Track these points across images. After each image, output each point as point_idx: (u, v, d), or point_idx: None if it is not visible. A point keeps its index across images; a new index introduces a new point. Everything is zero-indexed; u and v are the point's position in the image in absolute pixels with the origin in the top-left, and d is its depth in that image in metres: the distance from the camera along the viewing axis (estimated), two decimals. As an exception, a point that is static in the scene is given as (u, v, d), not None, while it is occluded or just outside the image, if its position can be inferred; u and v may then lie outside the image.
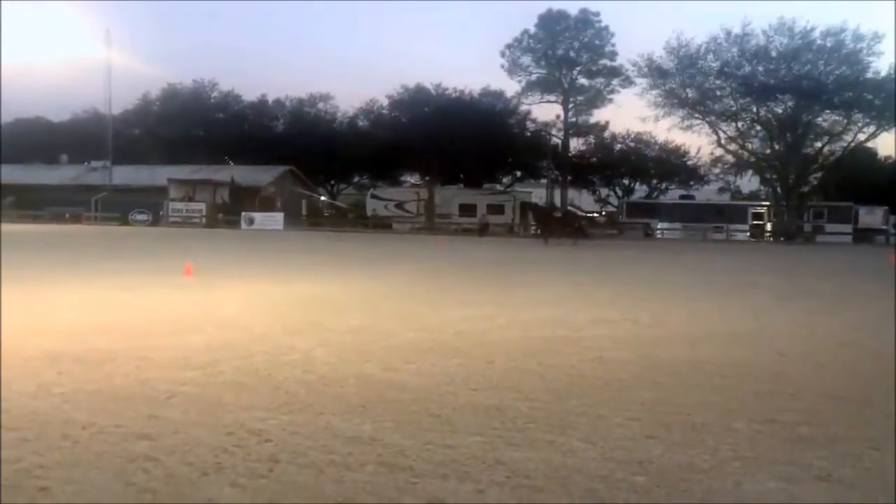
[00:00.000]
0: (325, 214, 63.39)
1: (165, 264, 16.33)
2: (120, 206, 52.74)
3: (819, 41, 50.91)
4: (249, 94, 70.93)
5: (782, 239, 49.35)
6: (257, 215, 50.68)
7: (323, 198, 67.00)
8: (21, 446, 3.82)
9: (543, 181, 64.48)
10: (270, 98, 70.16)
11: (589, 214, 70.23)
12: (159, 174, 55.91)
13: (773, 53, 52.39)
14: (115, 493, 3.25)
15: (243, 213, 50.71)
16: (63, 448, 3.81)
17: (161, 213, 51.98)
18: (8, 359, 5.86)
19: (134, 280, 12.92)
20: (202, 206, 52.12)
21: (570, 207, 41.52)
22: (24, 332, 7.10)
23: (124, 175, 57.21)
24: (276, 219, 50.53)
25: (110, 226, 48.18)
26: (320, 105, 69.79)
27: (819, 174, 57.36)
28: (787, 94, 52.43)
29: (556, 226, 37.71)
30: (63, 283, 12.14)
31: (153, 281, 12.81)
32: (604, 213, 67.36)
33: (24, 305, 9.22)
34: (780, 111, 54.75)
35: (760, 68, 53.09)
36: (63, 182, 59.02)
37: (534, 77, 61.52)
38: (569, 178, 63.55)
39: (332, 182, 70.89)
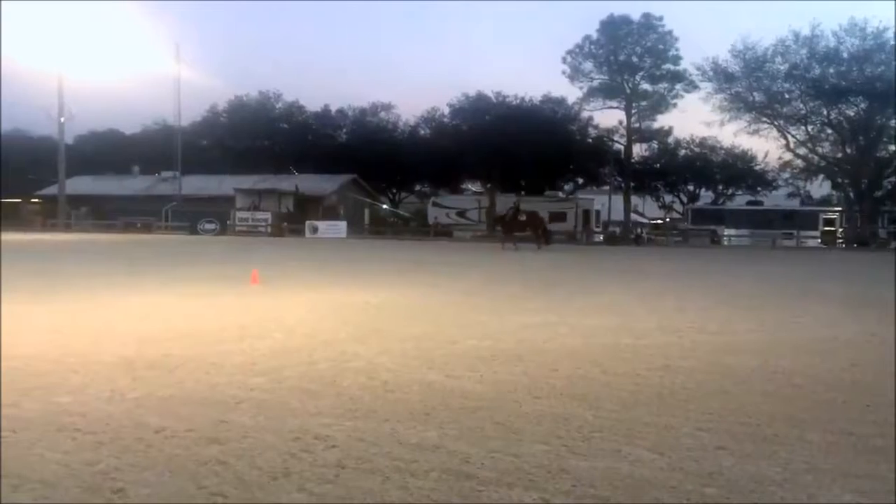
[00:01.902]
0: (388, 222, 63.94)
1: (232, 272, 16.68)
2: (189, 216, 54.12)
3: (892, 42, 49.31)
4: (313, 105, 72.29)
5: (855, 245, 47.82)
6: (321, 224, 51.41)
7: (385, 206, 67.61)
8: (97, 449, 3.94)
9: (606, 188, 63.90)
10: (333, 108, 71.35)
11: (653, 221, 69.42)
12: (226, 184, 57.29)
13: (845, 55, 50.95)
14: (188, 495, 3.33)
15: (307, 222, 51.48)
16: (137, 451, 3.91)
17: (228, 222, 53.13)
18: (85, 364, 6.06)
19: (203, 288, 13.23)
20: (268, 215, 53.09)
21: (535, 210, 40.20)
22: (100, 338, 7.33)
23: (193, 185, 58.78)
24: (339, 227, 51.20)
25: (180, 235, 49.42)
26: (382, 114, 70.61)
27: (894, 178, 55.45)
28: (859, 96, 50.92)
29: (519, 229, 36.33)
30: (136, 290, 12.50)
31: (221, 289, 13.08)
32: (669, 219, 66.42)
33: (100, 312, 9.52)
34: (851, 114, 53.23)
35: (831, 70, 51.68)
36: (135, 192, 61.00)
37: (596, 83, 61.07)
38: (632, 184, 62.82)
39: (394, 190, 71.56)
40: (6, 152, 64.78)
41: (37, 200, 64.54)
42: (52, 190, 60.41)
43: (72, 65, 59.23)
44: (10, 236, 39.52)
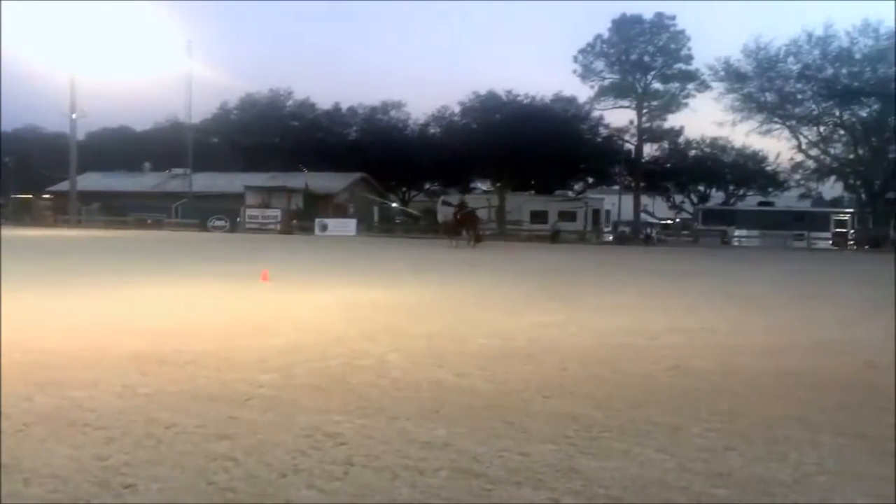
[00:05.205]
0: (397, 221, 63.91)
1: (243, 270, 16.71)
2: (199, 213, 54.23)
3: (905, 43, 48.94)
4: (324, 103, 71.96)
5: (867, 247, 47.51)
6: (330, 222, 51.40)
7: (394, 204, 67.55)
8: (108, 444, 3.95)
9: (616, 187, 63.74)
10: (344, 106, 71.08)
11: (663, 221, 69.19)
12: (236, 181, 57.33)
13: (857, 55, 50.62)
14: (198, 491, 3.34)
15: (317, 220, 51.49)
16: (148, 447, 3.93)
17: (238, 219, 53.20)
18: (96, 359, 6.09)
19: (214, 284, 13.27)
20: (277, 213, 53.14)
21: (472, 209, 40.89)
22: (111, 334, 7.36)
23: (203, 182, 58.81)
24: (348, 225, 51.19)
25: (190, 232, 49.54)
26: (393, 112, 70.39)
27: (907, 180, 55.05)
28: (871, 97, 50.58)
29: (459, 227, 37.12)
30: (147, 286, 12.55)
31: (232, 286, 13.12)
32: (679, 219, 66.16)
33: (111, 307, 9.56)
34: (864, 115, 52.85)
35: (844, 71, 51.36)
36: (146, 189, 61.12)
37: (607, 82, 60.90)
38: (642, 184, 62.64)
39: (404, 189, 71.43)
40: (19, 149, 65.16)
41: (48, 196, 64.80)
42: (63, 186, 60.60)
43: (84, 62, 59.49)
44: (22, 232, 39.73)
